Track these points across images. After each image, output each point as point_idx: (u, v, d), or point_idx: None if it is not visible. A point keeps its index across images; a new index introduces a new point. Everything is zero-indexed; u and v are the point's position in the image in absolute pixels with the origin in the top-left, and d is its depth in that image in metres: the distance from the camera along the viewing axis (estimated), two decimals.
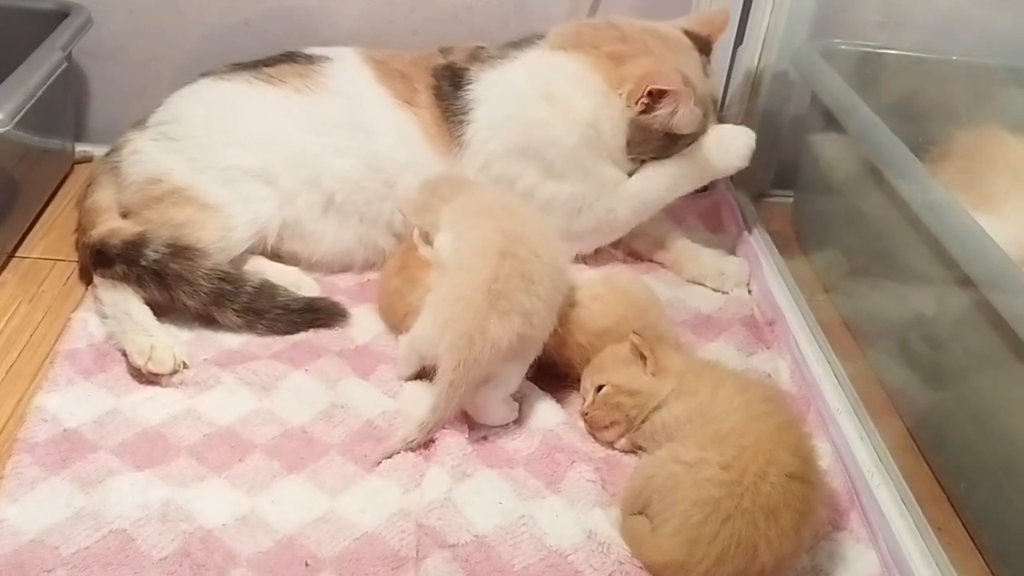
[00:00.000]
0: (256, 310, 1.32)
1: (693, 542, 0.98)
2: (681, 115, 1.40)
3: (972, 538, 1.12)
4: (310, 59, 1.48)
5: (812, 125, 1.64)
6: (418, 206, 1.32)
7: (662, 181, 1.49)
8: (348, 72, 1.47)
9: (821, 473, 1.08)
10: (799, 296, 1.46)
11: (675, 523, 1.00)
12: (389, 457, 1.14)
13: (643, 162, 1.48)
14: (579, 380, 1.24)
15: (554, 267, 1.21)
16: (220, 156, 1.38)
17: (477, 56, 1.51)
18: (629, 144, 1.45)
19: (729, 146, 1.48)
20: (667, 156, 1.47)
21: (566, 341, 1.24)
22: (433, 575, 0.99)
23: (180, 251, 1.30)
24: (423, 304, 1.19)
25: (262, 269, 1.41)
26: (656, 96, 1.40)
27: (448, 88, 1.47)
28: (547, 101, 1.44)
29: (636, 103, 1.41)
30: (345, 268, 1.48)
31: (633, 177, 1.49)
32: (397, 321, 1.31)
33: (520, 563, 1.03)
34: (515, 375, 1.18)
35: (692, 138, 1.46)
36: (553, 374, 1.27)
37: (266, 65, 1.47)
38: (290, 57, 1.48)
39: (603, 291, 1.29)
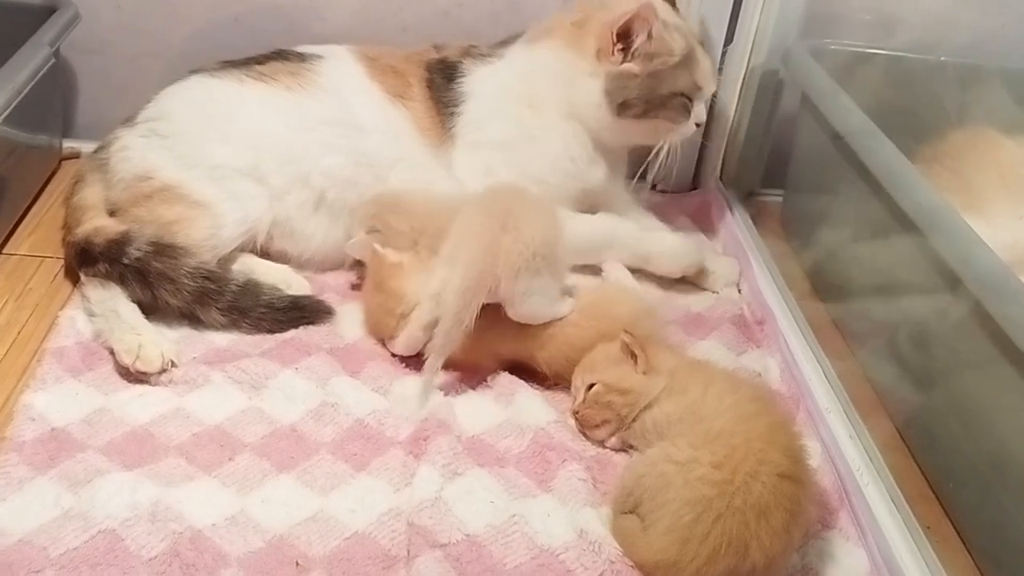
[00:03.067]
0: (240, 309, 1.31)
1: (684, 541, 0.98)
2: (658, 35, 1.38)
3: (961, 537, 1.12)
4: (301, 57, 1.47)
5: (802, 124, 1.64)
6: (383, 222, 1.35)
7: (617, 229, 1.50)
8: (339, 70, 1.46)
9: (811, 472, 1.08)
10: (788, 295, 1.46)
11: (666, 522, 1.00)
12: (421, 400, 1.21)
13: (644, 116, 1.43)
14: (569, 384, 1.24)
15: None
16: (210, 153, 1.37)
17: (470, 52, 1.52)
18: (616, 105, 1.42)
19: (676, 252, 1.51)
20: (662, 111, 1.44)
21: (554, 356, 1.25)
22: (425, 575, 0.99)
23: (163, 249, 1.29)
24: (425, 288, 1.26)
25: (252, 267, 1.40)
26: (623, 35, 1.39)
27: (441, 81, 1.48)
28: (529, 106, 1.46)
29: (613, 54, 1.40)
30: (336, 266, 1.48)
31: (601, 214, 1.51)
32: (390, 335, 1.30)
33: (511, 562, 1.03)
34: (548, 285, 1.24)
35: (680, 81, 1.42)
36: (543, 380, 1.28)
37: (257, 63, 1.46)
38: (281, 55, 1.48)
39: (590, 304, 1.29)
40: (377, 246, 1.32)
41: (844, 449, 1.19)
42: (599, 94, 1.43)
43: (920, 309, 1.26)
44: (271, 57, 1.47)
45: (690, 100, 1.45)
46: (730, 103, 1.71)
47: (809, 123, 1.60)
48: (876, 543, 1.08)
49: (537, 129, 1.46)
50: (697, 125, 1.48)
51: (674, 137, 1.47)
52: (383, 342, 1.32)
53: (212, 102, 1.42)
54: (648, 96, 1.42)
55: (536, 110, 1.46)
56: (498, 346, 1.26)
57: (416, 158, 1.45)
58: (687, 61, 1.43)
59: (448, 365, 1.24)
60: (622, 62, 1.41)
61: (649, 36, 1.39)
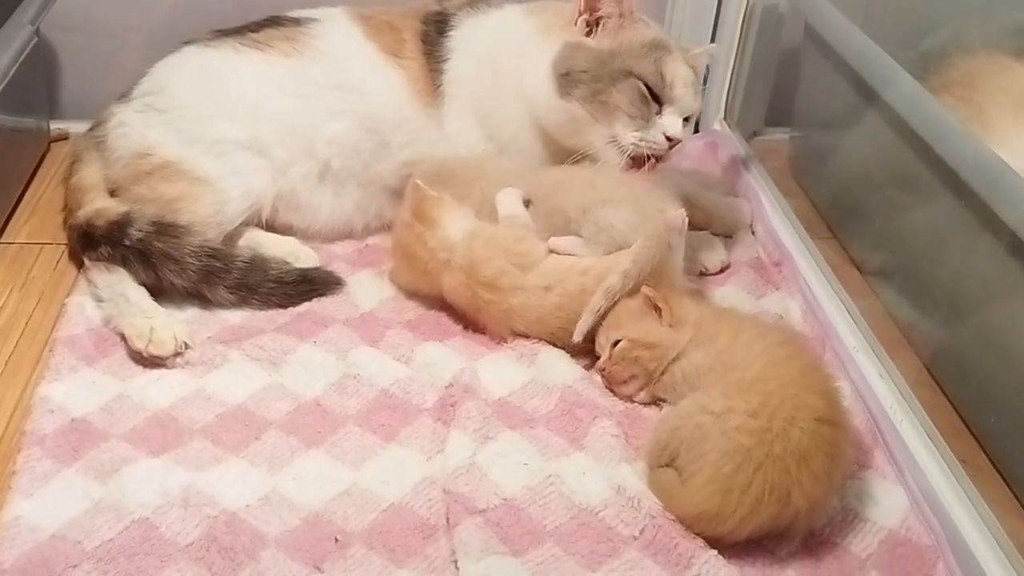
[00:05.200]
0: (248, 285, 1.28)
1: (726, 492, 0.97)
2: (629, 10, 1.31)
3: (997, 468, 1.12)
4: (296, 22, 1.42)
5: (807, 58, 1.61)
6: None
7: None
8: (336, 31, 1.42)
9: (847, 414, 1.07)
10: (804, 235, 1.44)
11: (706, 474, 0.99)
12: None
13: (592, 99, 1.30)
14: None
15: None
16: (209, 128, 1.33)
17: (473, 3, 1.46)
18: (560, 76, 1.32)
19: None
20: (612, 95, 1.29)
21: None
22: (468, 542, 0.97)
23: (165, 229, 1.26)
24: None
25: (258, 241, 1.37)
26: (591, 4, 1.32)
27: (434, 34, 1.43)
28: (492, 74, 1.39)
29: (576, 24, 1.33)
30: (344, 236, 1.45)
31: None
32: (417, 273, 1.29)
33: (551, 523, 1.02)
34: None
35: (641, 64, 1.29)
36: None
37: (251, 31, 1.41)
38: (276, 21, 1.43)
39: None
40: (418, 181, 1.29)
41: (875, 388, 1.18)
42: (547, 66, 1.32)
43: (946, 241, 1.24)
44: (265, 24, 1.42)
45: (655, 98, 1.29)
46: (731, 42, 1.68)
47: (814, 56, 1.57)
48: (914, 479, 1.08)
49: (491, 102, 1.39)
50: (669, 139, 1.28)
51: (626, 137, 1.29)
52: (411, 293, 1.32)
53: (209, 74, 1.37)
54: (598, 70, 1.29)
55: (495, 80, 1.39)
56: (517, 325, 1.24)
57: (413, 119, 1.41)
58: (656, 50, 1.30)
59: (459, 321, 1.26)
60: (585, 35, 1.32)
61: (621, 15, 1.30)
